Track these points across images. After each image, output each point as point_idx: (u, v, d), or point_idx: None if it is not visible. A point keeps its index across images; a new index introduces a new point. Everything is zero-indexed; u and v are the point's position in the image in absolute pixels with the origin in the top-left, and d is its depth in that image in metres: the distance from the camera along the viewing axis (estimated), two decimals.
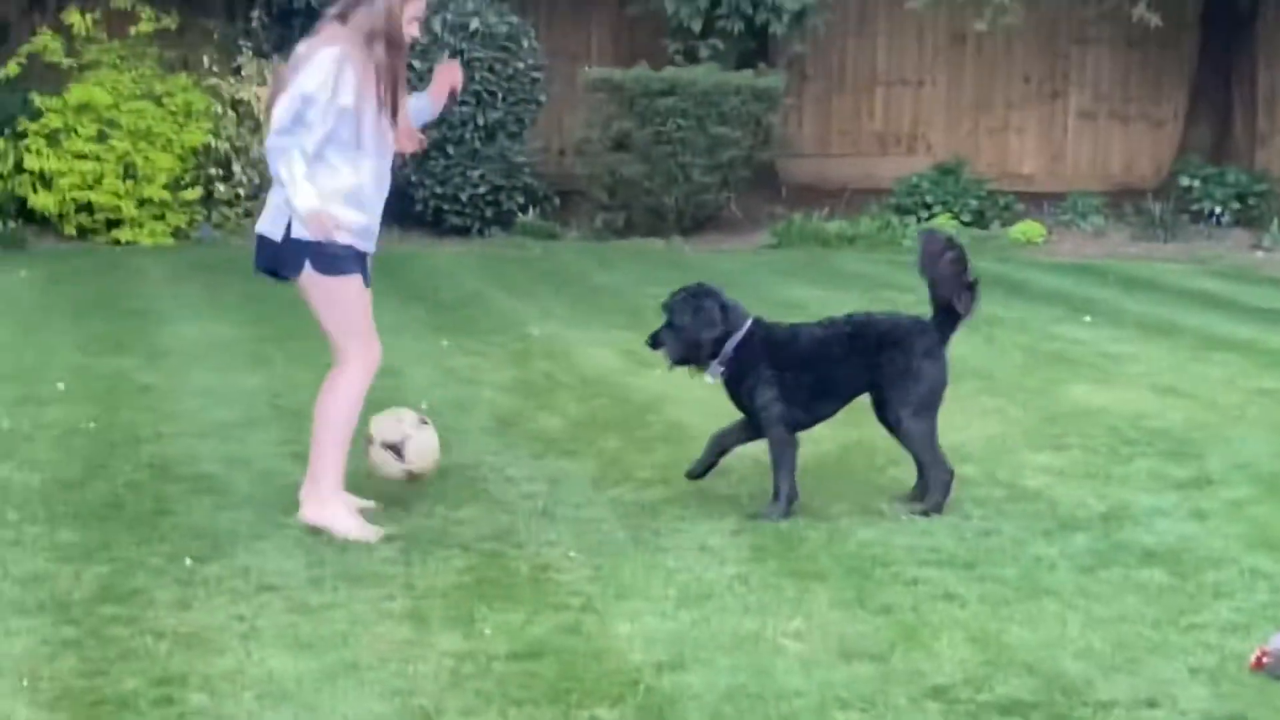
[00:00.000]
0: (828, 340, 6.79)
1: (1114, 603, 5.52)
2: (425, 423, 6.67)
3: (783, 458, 6.61)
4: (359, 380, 6.42)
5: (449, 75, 6.80)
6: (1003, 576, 5.77)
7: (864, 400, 6.88)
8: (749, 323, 6.74)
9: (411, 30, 6.37)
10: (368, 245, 6.37)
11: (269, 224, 6.31)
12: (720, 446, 6.86)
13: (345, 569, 5.79)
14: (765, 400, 6.63)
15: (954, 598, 5.55)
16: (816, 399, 6.75)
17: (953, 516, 6.49)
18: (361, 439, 6.53)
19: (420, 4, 6.38)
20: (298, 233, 6.16)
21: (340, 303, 6.33)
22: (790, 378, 6.66)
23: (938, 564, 5.90)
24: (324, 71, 6.12)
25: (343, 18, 6.25)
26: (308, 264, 6.22)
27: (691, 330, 6.66)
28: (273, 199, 6.34)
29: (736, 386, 6.72)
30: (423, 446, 6.58)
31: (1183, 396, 8.90)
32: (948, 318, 6.83)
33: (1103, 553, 6.05)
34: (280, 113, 6.15)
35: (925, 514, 6.51)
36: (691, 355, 6.72)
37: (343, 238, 6.19)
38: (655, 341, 6.78)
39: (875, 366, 6.71)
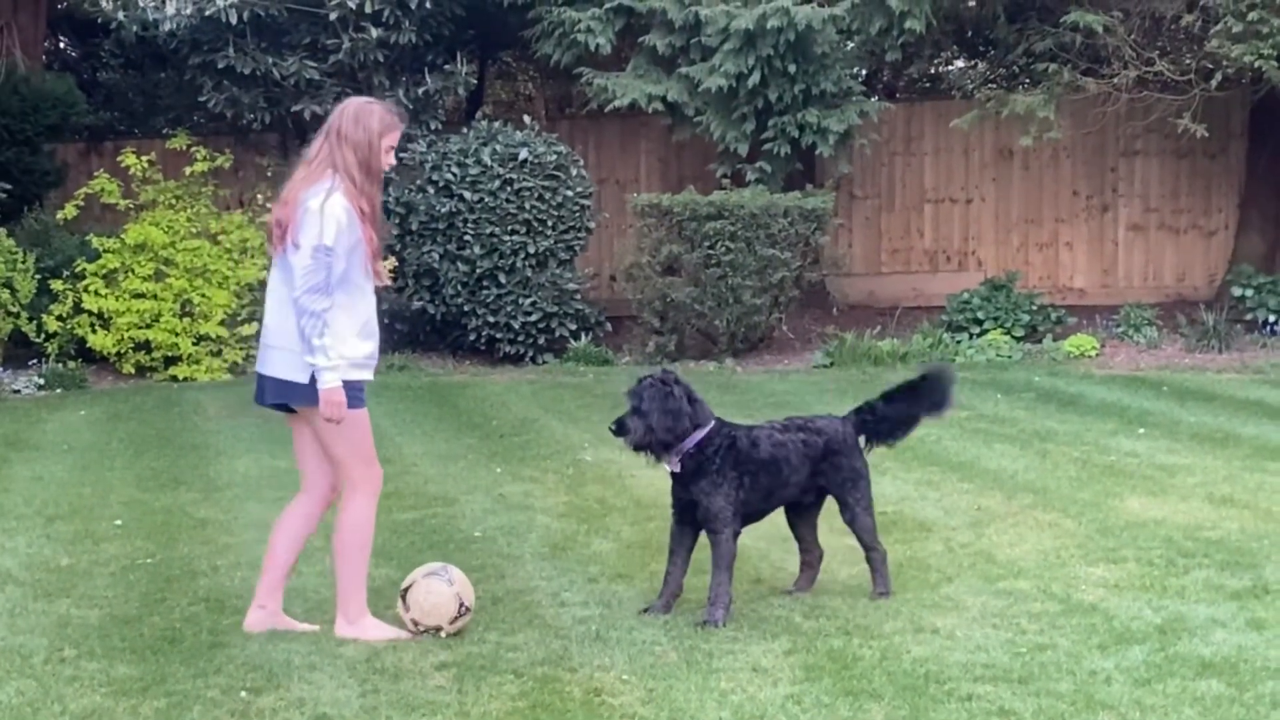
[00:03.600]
0: (784, 444, 6.92)
1: (1171, 715, 5.47)
2: (436, 574, 6.67)
3: (725, 561, 6.71)
4: (369, 504, 6.68)
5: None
6: (1058, 691, 5.73)
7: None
8: (713, 422, 6.82)
9: (388, 160, 6.60)
10: (372, 373, 6.64)
11: (284, 369, 6.50)
12: (683, 565, 6.91)
13: (399, 697, 5.80)
14: (719, 505, 6.72)
15: (1009, 714, 5.51)
16: (769, 498, 6.95)
17: (1007, 631, 6.46)
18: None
19: (396, 135, 6.62)
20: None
21: (354, 432, 6.54)
22: (749, 480, 6.78)
23: (992, 680, 5.86)
24: (336, 221, 6.36)
25: (332, 159, 6.48)
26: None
27: (658, 418, 6.69)
28: (281, 342, 6.53)
29: (689, 481, 6.77)
30: (421, 596, 6.60)
31: (1238, 507, 8.83)
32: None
33: (1159, 665, 6.00)
34: (311, 272, 6.35)
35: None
36: (654, 442, 6.74)
37: (360, 374, 6.52)
38: (620, 427, 6.77)
39: (823, 471, 7.00)
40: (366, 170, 6.48)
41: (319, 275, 6.33)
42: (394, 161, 6.67)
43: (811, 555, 7.20)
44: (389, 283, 6.94)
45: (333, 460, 6.63)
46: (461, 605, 6.58)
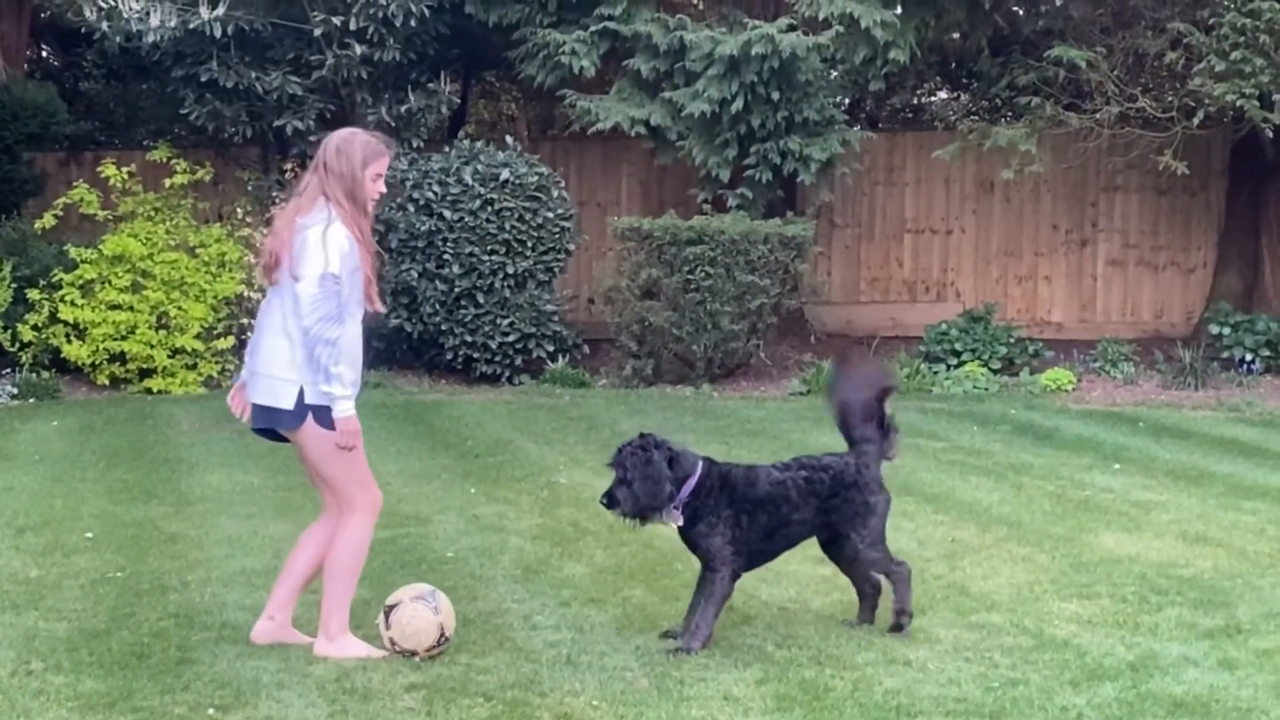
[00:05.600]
0: (783, 482, 6.88)
1: None
2: (425, 600, 6.63)
3: (716, 598, 6.69)
4: (366, 526, 6.69)
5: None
6: None
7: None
8: (700, 466, 6.81)
9: (378, 187, 6.61)
10: (353, 400, 6.61)
11: (271, 396, 6.52)
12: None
13: (368, 718, 5.77)
14: (717, 544, 6.71)
15: None
16: (771, 537, 6.89)
17: (979, 665, 6.44)
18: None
19: (383, 162, 6.63)
20: (311, 399, 6.43)
21: (345, 456, 6.54)
22: (746, 519, 6.74)
23: (964, 714, 5.85)
24: (339, 249, 6.39)
25: (321, 188, 6.50)
26: (309, 418, 6.46)
27: (643, 485, 6.66)
28: (270, 370, 6.55)
29: (690, 528, 6.77)
30: (405, 619, 6.56)
31: (1212, 545, 8.84)
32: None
33: (1131, 703, 5.99)
34: (321, 301, 6.37)
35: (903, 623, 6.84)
36: (648, 509, 6.71)
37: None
38: (610, 500, 6.74)
39: (834, 508, 6.90)
40: (353, 200, 6.49)
41: (330, 304, 6.36)
42: (383, 189, 6.66)
43: (865, 587, 7.11)
44: (383, 309, 6.89)
45: (328, 484, 6.64)
46: (442, 635, 6.55)
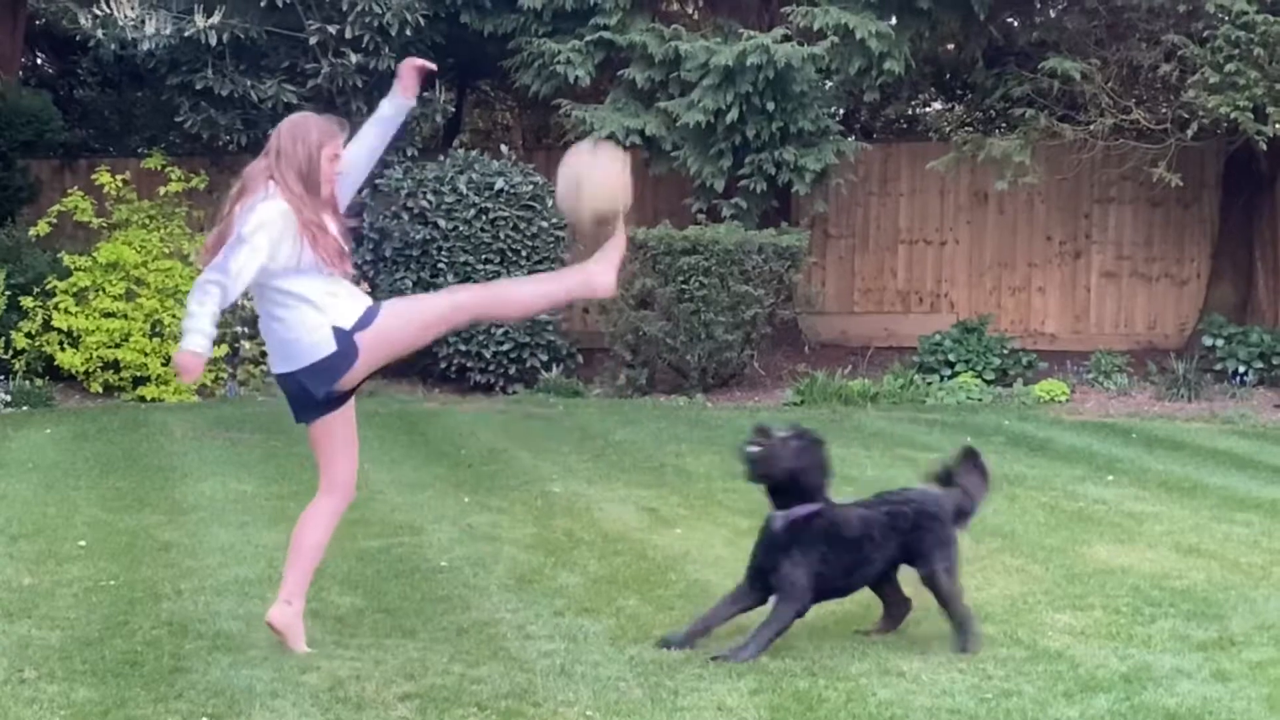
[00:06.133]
0: (870, 520, 6.89)
1: None
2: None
3: (776, 627, 6.68)
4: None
5: (416, 67, 6.95)
6: None
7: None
8: (824, 503, 6.83)
9: (332, 168, 6.61)
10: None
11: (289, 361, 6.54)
12: (726, 614, 6.88)
13: None
14: (799, 576, 6.68)
15: None
16: (849, 575, 6.89)
17: (973, 677, 6.44)
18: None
19: (338, 142, 6.63)
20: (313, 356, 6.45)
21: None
22: (834, 558, 6.75)
23: None
24: (264, 216, 6.33)
25: (269, 172, 6.50)
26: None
27: (800, 466, 6.70)
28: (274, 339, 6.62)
29: (778, 549, 6.73)
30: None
31: (1205, 557, 8.84)
32: None
33: (1124, 714, 5.99)
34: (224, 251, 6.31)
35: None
36: (778, 483, 6.71)
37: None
38: (757, 445, 6.69)
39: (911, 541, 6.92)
40: (304, 182, 6.47)
41: (223, 256, 6.25)
42: (339, 170, 6.66)
43: (896, 601, 7.12)
44: (343, 269, 6.76)
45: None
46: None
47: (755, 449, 6.73)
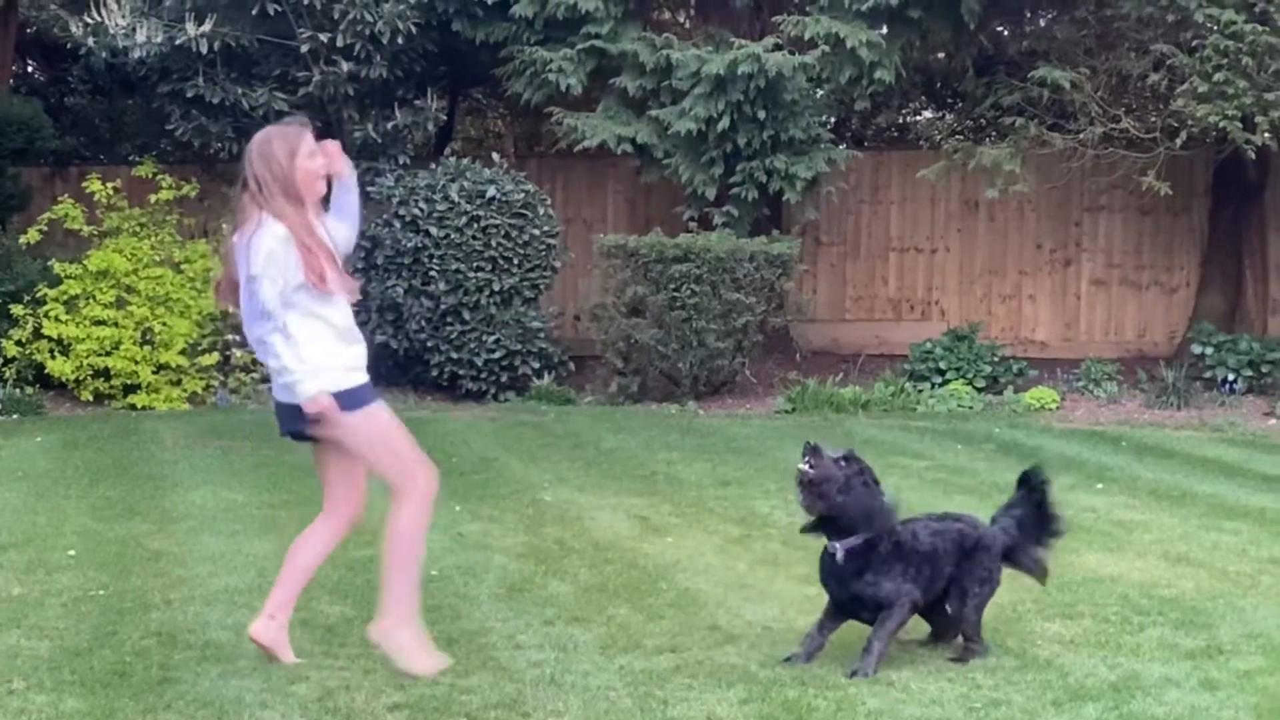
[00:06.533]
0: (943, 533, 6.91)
1: None
2: None
3: (891, 626, 6.65)
4: (422, 510, 6.71)
5: (335, 156, 6.78)
6: None
7: None
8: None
9: (315, 164, 6.57)
10: (366, 373, 6.61)
11: (290, 394, 6.46)
12: (821, 641, 6.83)
13: None
14: (901, 587, 6.65)
15: None
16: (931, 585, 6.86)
17: (962, 686, 6.44)
18: None
19: (308, 139, 6.58)
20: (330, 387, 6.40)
21: (378, 432, 6.57)
22: (913, 572, 6.72)
23: None
24: (263, 253, 6.33)
25: (256, 200, 6.46)
26: (340, 408, 6.43)
27: (855, 508, 6.63)
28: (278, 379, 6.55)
29: (857, 575, 6.69)
30: None
31: (1194, 565, 8.85)
32: None
33: None
34: (242, 304, 6.45)
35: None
36: (832, 519, 6.65)
37: (355, 377, 6.49)
38: (812, 469, 6.59)
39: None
40: (289, 196, 6.45)
41: (251, 304, 6.37)
42: (322, 163, 6.61)
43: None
44: (349, 290, 6.73)
45: (380, 475, 6.67)
46: None
47: (809, 483, 6.62)
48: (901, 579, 6.64)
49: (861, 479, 6.66)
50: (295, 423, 6.52)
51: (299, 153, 6.51)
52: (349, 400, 6.44)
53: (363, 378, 6.56)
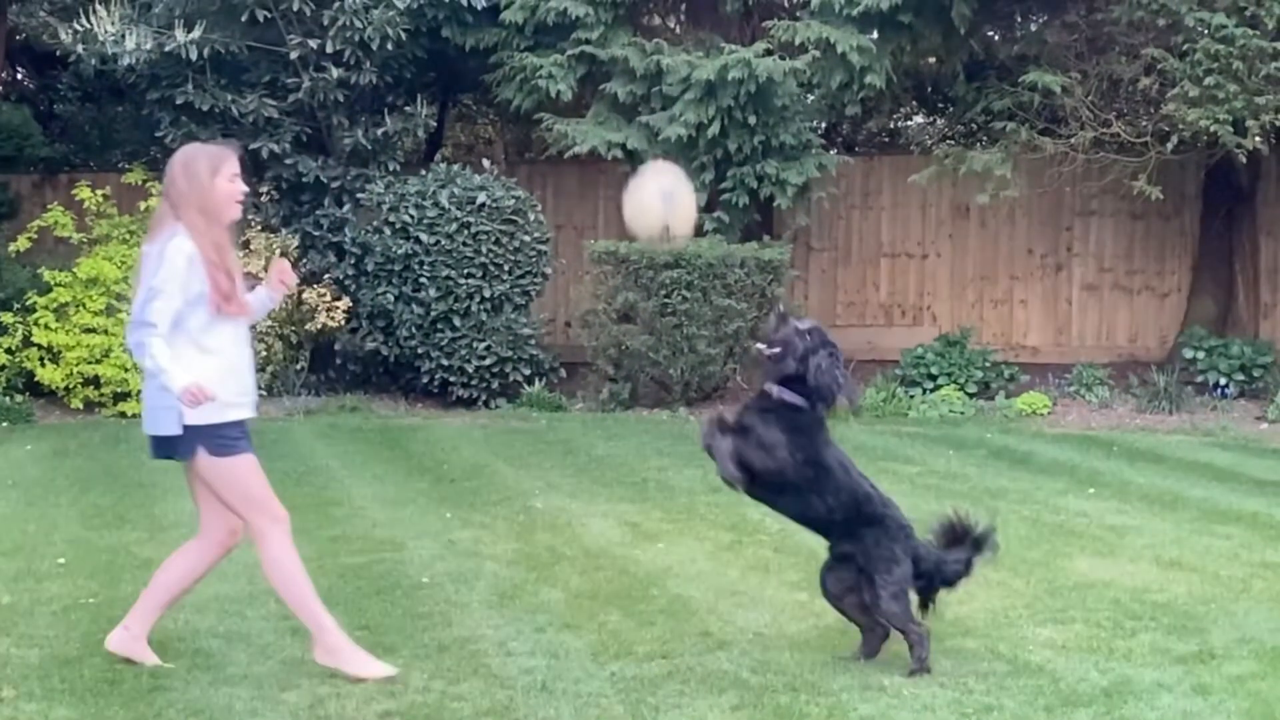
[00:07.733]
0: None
1: None
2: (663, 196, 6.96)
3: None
4: (282, 543, 6.66)
5: (283, 272, 6.87)
6: None
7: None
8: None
9: (236, 187, 6.62)
10: (251, 409, 6.67)
11: (159, 425, 6.54)
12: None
13: None
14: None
15: None
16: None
17: (954, 691, 6.43)
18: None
19: (232, 162, 6.64)
20: (190, 420, 6.40)
21: (239, 480, 6.58)
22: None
23: None
24: (172, 265, 6.36)
25: (173, 212, 6.52)
26: (201, 450, 6.49)
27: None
28: (150, 400, 6.59)
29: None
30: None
31: (1186, 570, 8.85)
32: None
33: None
34: (135, 308, 6.45)
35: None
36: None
37: (233, 413, 6.51)
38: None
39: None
40: (205, 214, 6.49)
41: (136, 312, 6.40)
42: (242, 188, 6.68)
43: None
44: (244, 311, 6.74)
45: (230, 509, 6.68)
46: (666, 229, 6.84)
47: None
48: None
49: (827, 350, 6.84)
50: (166, 449, 6.60)
51: (221, 172, 6.58)
52: (217, 444, 6.48)
53: (244, 413, 6.60)
